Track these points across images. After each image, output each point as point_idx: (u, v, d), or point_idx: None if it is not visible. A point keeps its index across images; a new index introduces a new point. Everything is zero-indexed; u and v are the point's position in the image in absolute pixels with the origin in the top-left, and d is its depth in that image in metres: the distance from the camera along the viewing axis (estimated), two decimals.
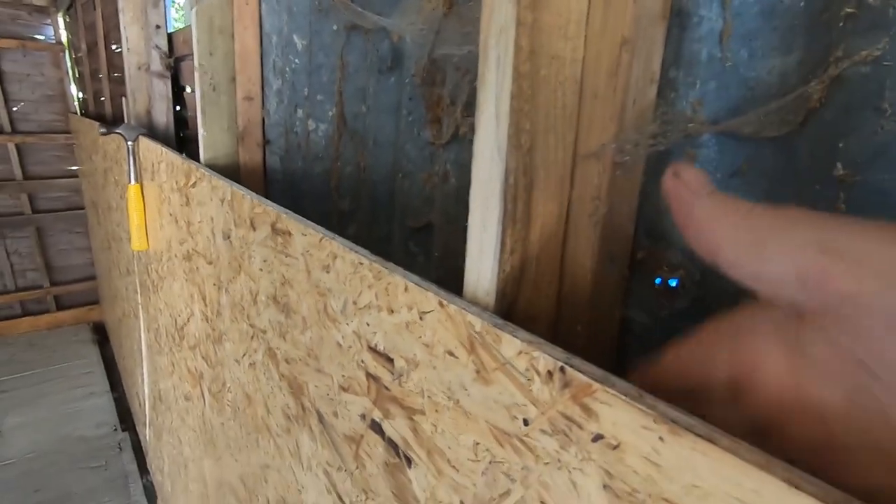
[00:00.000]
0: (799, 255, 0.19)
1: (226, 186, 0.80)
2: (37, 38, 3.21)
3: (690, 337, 0.26)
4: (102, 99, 2.78)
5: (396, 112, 0.67)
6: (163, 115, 1.75)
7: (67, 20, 3.17)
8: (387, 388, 0.44)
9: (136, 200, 1.60)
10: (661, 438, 0.23)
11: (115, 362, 3.09)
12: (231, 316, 0.87)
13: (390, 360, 0.43)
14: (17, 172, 3.24)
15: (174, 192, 1.20)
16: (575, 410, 0.27)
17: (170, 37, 1.72)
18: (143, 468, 2.33)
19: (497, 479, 0.33)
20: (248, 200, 0.71)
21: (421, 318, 0.39)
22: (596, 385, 0.26)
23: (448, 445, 0.38)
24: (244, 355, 0.83)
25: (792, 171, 0.31)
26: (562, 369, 0.28)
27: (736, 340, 0.23)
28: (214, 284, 0.95)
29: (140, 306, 2.07)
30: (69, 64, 3.33)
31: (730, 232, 0.21)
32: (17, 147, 3.21)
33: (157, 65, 1.69)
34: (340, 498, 0.55)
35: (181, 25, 1.88)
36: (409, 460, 0.42)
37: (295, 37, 0.92)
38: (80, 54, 3.06)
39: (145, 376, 2.18)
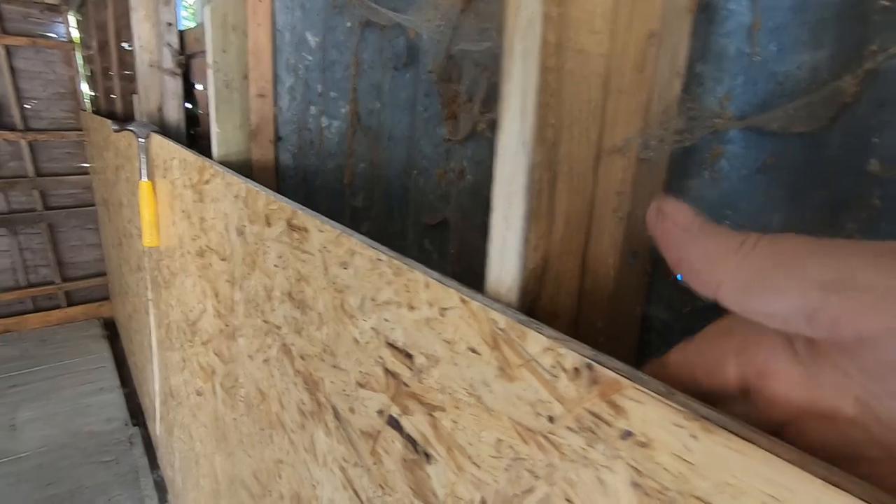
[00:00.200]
0: (804, 293, 0.18)
1: (240, 183, 0.81)
2: (48, 36, 3.24)
3: (700, 336, 0.26)
4: (113, 96, 2.80)
5: (412, 108, 0.67)
6: (174, 112, 1.76)
7: (79, 18, 3.19)
8: (406, 384, 0.44)
9: (147, 197, 1.61)
10: (693, 436, 0.23)
11: (125, 358, 3.12)
12: (245, 312, 0.87)
13: (409, 357, 0.43)
14: (30, 169, 3.28)
15: (187, 189, 1.21)
16: (602, 407, 0.27)
17: (181, 34, 1.72)
18: (153, 463, 2.35)
19: (521, 476, 0.33)
20: (264, 197, 0.71)
21: (442, 315, 0.39)
22: (625, 382, 0.26)
23: (469, 442, 0.38)
24: (258, 351, 0.83)
25: (822, 166, 0.31)
26: (589, 366, 0.28)
27: (746, 343, 0.23)
28: (228, 281, 0.95)
29: (151, 302, 2.09)
30: (80, 62, 3.35)
31: (729, 272, 0.21)
32: (30, 144, 3.24)
33: (168, 62, 1.70)
34: (357, 493, 0.55)
35: (191, 23, 1.89)
36: (428, 456, 0.42)
37: (308, 34, 0.93)
38: (91, 52, 3.08)
39: (156, 372, 2.19)
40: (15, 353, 3.06)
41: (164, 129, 1.71)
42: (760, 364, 0.22)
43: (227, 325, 1.01)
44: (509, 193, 0.34)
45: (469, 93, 0.55)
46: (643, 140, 0.34)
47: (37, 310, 3.49)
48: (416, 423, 0.43)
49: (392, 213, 0.75)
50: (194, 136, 1.84)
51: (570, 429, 0.29)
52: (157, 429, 2.34)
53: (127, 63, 2.45)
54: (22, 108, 3.20)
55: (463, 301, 0.36)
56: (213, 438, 1.29)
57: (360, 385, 0.52)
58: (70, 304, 3.60)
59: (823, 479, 0.20)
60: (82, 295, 3.66)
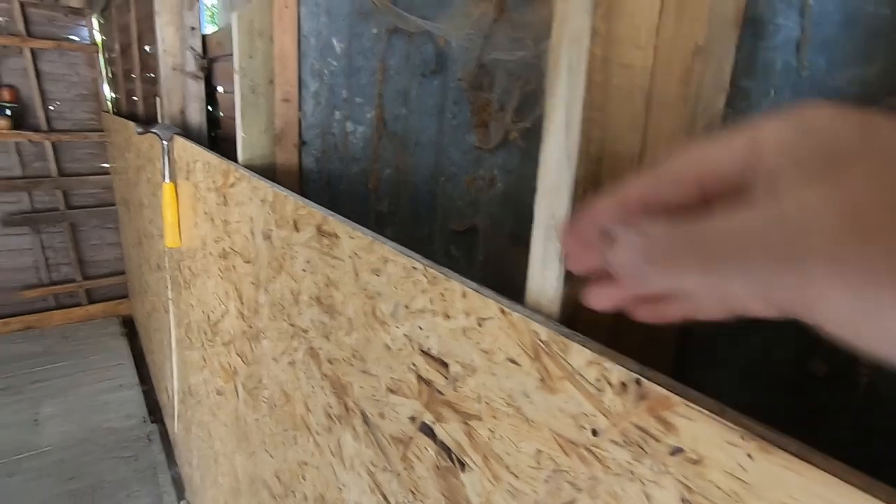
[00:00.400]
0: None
1: (267, 187, 0.82)
2: (72, 39, 3.31)
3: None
4: (135, 98, 2.85)
5: (439, 115, 0.67)
6: (196, 114, 1.79)
7: (101, 22, 3.26)
8: (440, 391, 0.45)
9: (170, 198, 1.64)
10: (749, 455, 0.23)
11: (144, 355, 3.17)
12: (270, 314, 0.88)
13: (444, 365, 0.44)
14: (53, 169, 3.35)
15: (210, 192, 1.23)
16: (651, 423, 0.27)
17: (203, 38, 1.75)
18: (171, 460, 2.39)
19: (561, 488, 0.33)
20: (292, 202, 0.72)
21: (480, 325, 0.39)
22: (676, 399, 0.26)
23: (507, 452, 0.38)
24: (283, 353, 0.84)
25: None
26: (637, 381, 0.28)
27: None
28: (252, 283, 0.97)
29: (170, 301, 2.12)
30: (102, 64, 3.42)
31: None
32: (53, 145, 3.31)
33: (191, 66, 1.73)
34: (385, 498, 0.56)
35: (212, 26, 1.92)
36: (462, 464, 0.43)
37: (334, 40, 0.93)
38: (113, 55, 3.14)
39: (174, 370, 2.23)
40: (38, 350, 3.13)
41: (187, 132, 1.74)
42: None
43: (250, 327, 1.02)
44: (552, 206, 0.34)
45: (501, 101, 0.56)
46: None
47: (59, 307, 3.56)
48: (450, 430, 0.44)
49: (418, 219, 0.76)
50: (215, 137, 1.87)
51: (615, 442, 0.30)
52: (174, 426, 2.37)
53: (149, 65, 2.50)
54: (46, 110, 3.27)
55: (502, 312, 0.37)
56: (233, 437, 1.31)
57: (391, 391, 0.52)
58: (90, 302, 3.67)
59: (885, 502, 0.20)
60: (102, 293, 3.72)
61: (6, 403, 2.60)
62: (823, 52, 0.31)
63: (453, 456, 0.44)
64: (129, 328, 3.55)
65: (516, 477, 0.37)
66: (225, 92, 1.72)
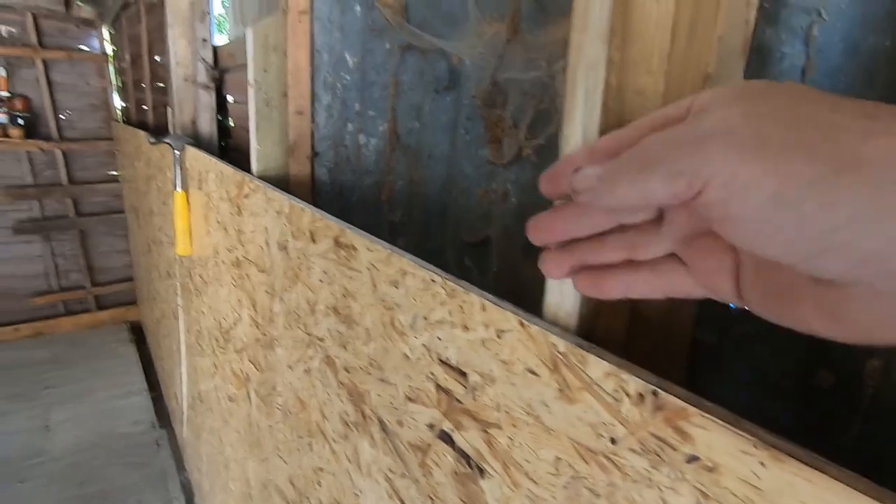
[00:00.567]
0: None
1: (283, 199, 0.84)
2: (83, 50, 3.36)
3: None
4: (145, 108, 2.89)
5: (452, 130, 0.69)
6: (207, 125, 1.82)
7: (112, 32, 3.31)
8: (459, 400, 0.46)
9: (181, 207, 1.66)
10: (761, 463, 0.25)
11: (152, 361, 3.19)
12: (285, 323, 0.90)
13: (463, 375, 0.45)
14: (63, 177, 3.39)
15: (223, 202, 1.25)
16: (667, 432, 0.29)
17: (214, 50, 1.78)
18: (180, 465, 2.40)
19: (580, 494, 0.35)
20: (309, 214, 0.74)
21: (499, 337, 0.41)
22: (692, 409, 0.27)
23: (526, 459, 0.39)
24: (298, 361, 0.86)
25: None
26: (654, 392, 0.30)
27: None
28: (267, 292, 0.99)
29: (180, 308, 2.15)
30: (112, 74, 3.47)
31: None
32: (64, 153, 3.36)
33: (202, 77, 1.76)
34: (404, 503, 0.57)
35: (224, 38, 1.95)
36: (482, 471, 0.44)
37: (346, 54, 0.96)
38: (123, 65, 3.19)
39: (184, 376, 2.25)
40: (48, 356, 3.16)
41: (198, 141, 1.77)
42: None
43: (264, 335, 1.04)
44: None
45: (514, 119, 0.57)
46: None
47: (68, 313, 3.60)
48: (469, 438, 0.45)
49: (430, 230, 0.78)
50: (225, 147, 1.90)
51: (633, 451, 0.31)
52: (183, 432, 2.39)
53: (159, 75, 2.54)
54: (57, 119, 3.32)
55: (521, 324, 0.38)
56: (245, 443, 1.33)
57: (410, 399, 0.54)
58: (99, 308, 3.71)
59: None
60: (111, 299, 3.76)
61: (18, 409, 2.63)
62: (827, 79, 0.33)
63: (472, 463, 0.45)
64: (137, 334, 3.58)
65: (536, 483, 0.39)
66: (235, 102, 1.75)
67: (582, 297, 0.36)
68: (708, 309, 0.39)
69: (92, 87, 3.43)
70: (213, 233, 1.40)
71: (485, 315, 0.42)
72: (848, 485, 0.22)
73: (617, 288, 0.28)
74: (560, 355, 0.35)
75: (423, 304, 0.50)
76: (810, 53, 0.33)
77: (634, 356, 0.36)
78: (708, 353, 0.40)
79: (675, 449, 0.29)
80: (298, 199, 0.80)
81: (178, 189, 1.66)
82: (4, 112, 3.09)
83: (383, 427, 0.60)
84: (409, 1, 0.78)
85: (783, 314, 0.22)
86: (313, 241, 0.74)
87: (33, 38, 3.13)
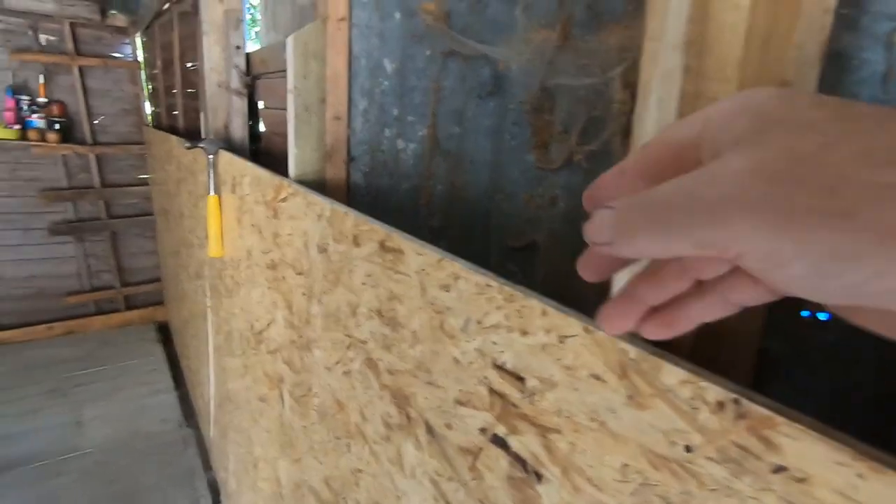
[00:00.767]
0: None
1: (324, 203, 0.85)
2: (117, 57, 3.47)
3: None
4: (175, 113, 2.97)
5: (496, 135, 0.70)
6: (239, 129, 1.86)
7: (144, 39, 3.40)
8: (515, 405, 0.46)
9: (214, 210, 1.70)
10: (859, 475, 0.24)
11: (178, 361, 3.26)
12: (323, 325, 0.91)
13: (520, 379, 0.46)
14: (96, 180, 3.49)
15: (258, 205, 1.27)
16: (751, 441, 0.29)
17: (247, 56, 1.82)
18: (206, 464, 2.44)
19: (650, 501, 0.35)
20: (352, 218, 0.75)
21: (561, 342, 0.41)
22: (779, 419, 0.27)
23: (589, 464, 0.39)
24: (337, 363, 0.87)
25: None
26: (735, 401, 0.29)
27: None
28: (304, 294, 1.00)
29: (209, 309, 2.19)
30: (144, 80, 3.57)
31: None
32: (97, 157, 3.46)
33: (235, 83, 1.80)
34: None
35: (256, 45, 1.99)
36: (539, 476, 0.44)
37: (385, 60, 0.97)
38: (154, 71, 3.27)
39: (212, 376, 2.29)
40: (80, 354, 3.25)
41: (230, 146, 1.81)
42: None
43: (300, 337, 1.06)
44: None
45: (564, 124, 0.58)
46: None
47: (98, 312, 3.69)
48: (526, 442, 0.45)
49: (472, 234, 0.78)
50: (256, 151, 1.94)
51: (710, 459, 0.31)
52: (210, 431, 2.43)
53: (190, 81, 2.60)
54: (91, 124, 3.43)
55: (586, 330, 0.38)
56: (276, 444, 1.35)
57: (460, 403, 0.54)
58: (128, 308, 3.80)
59: None
60: (139, 299, 3.85)
61: (53, 405, 2.71)
62: None
63: (528, 467, 0.45)
64: (164, 334, 3.66)
65: (599, 489, 0.39)
66: (267, 107, 1.79)
67: None
68: (778, 318, 0.39)
69: (124, 92, 3.53)
70: (247, 235, 1.43)
71: (546, 320, 0.42)
72: None
73: (691, 321, 0.26)
74: (631, 361, 0.35)
75: (477, 308, 0.50)
76: (892, 59, 0.32)
77: (699, 364, 0.36)
78: (776, 363, 0.40)
79: (759, 458, 0.28)
80: (340, 204, 0.81)
81: (212, 192, 1.69)
82: (42, 117, 3.20)
83: (430, 430, 0.61)
84: (452, 8, 0.79)
85: (855, 312, 0.21)
86: (356, 244, 0.75)
87: (70, 46, 3.24)
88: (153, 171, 3.46)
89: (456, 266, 0.53)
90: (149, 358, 3.33)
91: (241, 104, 1.83)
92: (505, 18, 0.66)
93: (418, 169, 0.90)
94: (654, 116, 0.34)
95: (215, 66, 1.84)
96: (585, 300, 0.44)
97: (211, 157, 1.68)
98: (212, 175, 1.69)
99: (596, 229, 0.23)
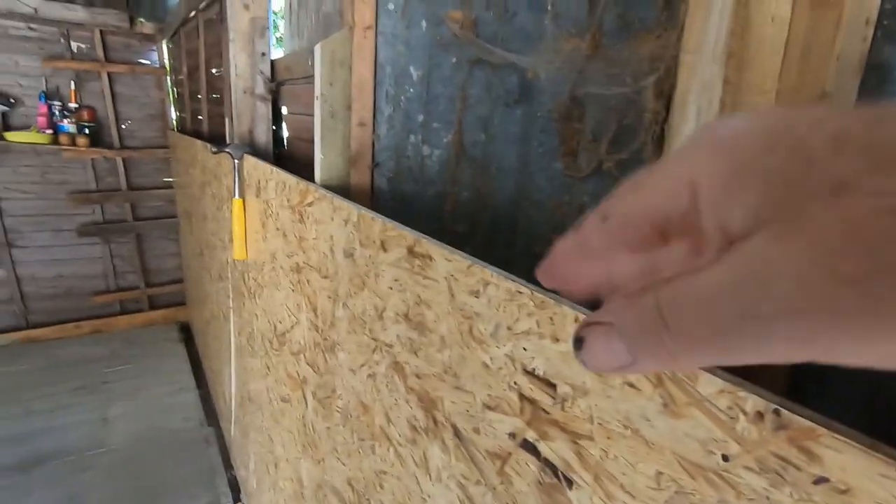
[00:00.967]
0: None
1: (351, 208, 0.87)
2: (143, 63, 3.56)
3: None
4: (200, 118, 3.04)
5: (523, 143, 0.70)
6: (263, 134, 1.90)
7: (170, 46, 3.49)
8: (545, 411, 0.47)
9: (239, 214, 1.73)
10: None
11: (200, 360, 3.32)
12: (349, 328, 0.93)
13: (552, 386, 0.46)
14: (123, 183, 3.59)
15: (283, 209, 1.30)
16: (791, 452, 0.29)
17: (272, 63, 1.86)
18: (227, 463, 2.49)
19: None
20: (380, 223, 0.76)
21: None
22: (822, 430, 0.27)
23: (622, 472, 0.40)
24: (363, 366, 0.88)
25: None
26: (776, 412, 0.30)
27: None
28: (329, 297, 1.02)
29: (231, 310, 2.23)
30: (169, 86, 3.66)
31: None
32: (124, 161, 3.55)
33: (260, 89, 1.84)
34: None
35: (279, 51, 2.03)
36: (569, 482, 0.45)
37: (411, 68, 0.99)
38: (180, 77, 3.35)
39: (233, 376, 2.33)
40: (106, 352, 3.34)
41: (255, 150, 1.84)
42: None
43: (325, 339, 1.07)
44: None
45: (594, 133, 0.58)
46: None
47: (123, 312, 3.79)
48: (556, 448, 0.46)
49: (497, 240, 0.78)
50: (279, 155, 1.97)
51: (749, 469, 0.31)
52: (231, 430, 2.47)
53: (215, 87, 2.66)
54: (119, 129, 3.53)
55: None
56: (298, 444, 1.37)
57: (489, 408, 0.55)
58: (151, 308, 3.89)
59: None
60: (162, 300, 3.94)
61: (81, 402, 2.78)
62: None
63: (559, 473, 0.46)
64: (186, 334, 3.73)
65: (633, 497, 0.39)
66: (290, 113, 1.82)
67: None
68: None
69: (151, 98, 3.62)
70: (271, 239, 1.46)
71: None
72: None
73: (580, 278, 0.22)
74: (666, 371, 0.35)
75: (508, 314, 0.51)
76: None
77: (731, 368, 0.36)
78: (811, 372, 0.40)
79: (799, 469, 0.28)
80: (367, 209, 0.83)
81: (236, 196, 1.73)
82: (73, 122, 3.30)
83: (457, 434, 0.61)
84: (479, 16, 0.79)
85: None
86: (384, 249, 0.76)
87: (100, 53, 3.34)
88: (177, 175, 3.55)
89: (486, 272, 0.53)
90: (171, 357, 3.40)
91: (265, 110, 1.87)
92: (534, 27, 0.67)
93: (443, 175, 0.91)
94: (692, 127, 0.35)
95: (241, 72, 1.88)
96: None
97: (236, 161, 1.72)
98: (237, 179, 1.73)
99: (603, 355, 0.18)
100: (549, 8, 0.64)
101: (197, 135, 3.06)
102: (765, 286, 0.14)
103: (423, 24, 0.94)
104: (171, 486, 2.29)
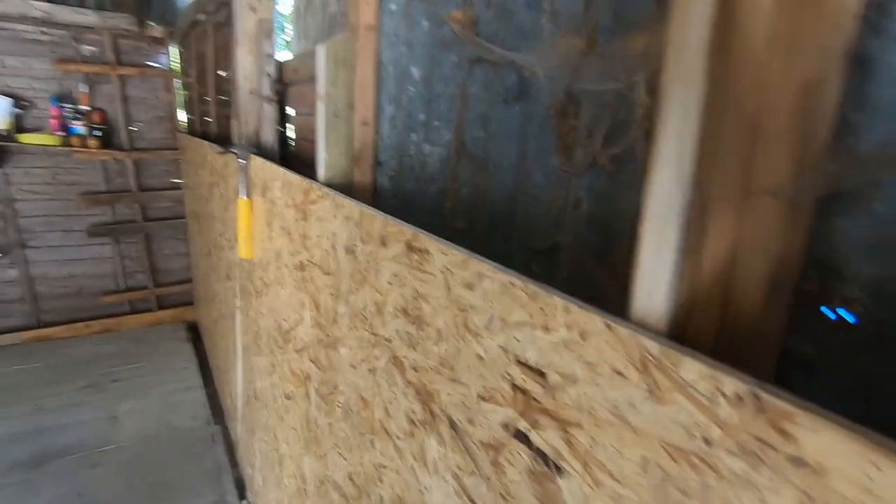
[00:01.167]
0: None
1: (352, 205, 0.88)
2: (153, 66, 3.61)
3: None
4: (208, 119, 3.07)
5: (521, 139, 0.71)
6: (269, 135, 1.92)
7: (180, 49, 3.54)
8: (537, 400, 0.48)
9: (245, 213, 1.76)
10: (876, 466, 0.25)
11: (207, 360, 3.35)
12: (350, 324, 0.94)
13: (542, 375, 0.47)
14: (133, 184, 3.64)
15: (288, 208, 1.32)
16: (770, 434, 0.29)
17: (278, 65, 1.88)
18: (233, 461, 2.51)
19: (669, 494, 0.36)
20: (380, 220, 0.77)
21: (583, 338, 0.42)
22: (798, 412, 0.28)
23: (609, 458, 0.40)
24: (363, 361, 0.89)
25: None
26: (755, 395, 0.30)
27: None
28: (331, 294, 1.03)
29: (238, 310, 2.25)
30: (178, 88, 3.70)
31: None
32: (134, 162, 3.60)
33: (267, 90, 1.86)
34: (473, 502, 0.59)
35: (288, 54, 2.05)
36: (559, 470, 0.45)
37: (412, 67, 1.00)
38: (189, 79, 3.40)
39: (239, 375, 2.35)
40: (115, 351, 3.38)
41: (261, 151, 1.87)
42: None
43: (327, 336, 1.09)
44: (661, 230, 0.37)
45: (589, 128, 0.59)
46: (794, 183, 0.36)
47: (132, 312, 3.83)
48: (547, 437, 0.47)
49: (495, 236, 0.79)
50: (285, 156, 1.99)
51: (729, 452, 0.32)
52: (238, 428, 2.50)
53: (223, 89, 2.69)
54: (129, 131, 3.58)
55: (608, 326, 0.40)
56: (301, 440, 1.38)
57: (483, 399, 0.56)
58: (160, 308, 3.93)
59: None
60: (170, 300, 3.98)
61: (90, 400, 2.82)
62: None
63: (550, 462, 0.47)
64: (194, 333, 3.76)
65: (619, 483, 0.39)
66: (297, 114, 1.84)
67: (673, 303, 0.37)
68: (802, 318, 0.39)
69: (160, 100, 3.67)
70: (276, 238, 1.47)
71: (568, 317, 0.43)
72: None
73: None
74: (651, 357, 0.36)
75: (501, 306, 0.52)
76: None
77: (722, 361, 0.37)
78: (800, 363, 0.40)
79: (777, 451, 0.29)
80: (368, 206, 0.84)
81: (243, 196, 1.75)
82: (84, 124, 3.36)
83: (453, 425, 0.62)
84: (480, 16, 0.80)
85: None
86: (384, 245, 0.77)
87: (111, 56, 3.39)
88: (186, 176, 3.59)
89: (481, 265, 0.54)
90: (179, 356, 3.43)
91: (271, 111, 1.89)
92: (532, 26, 0.67)
93: (444, 173, 0.92)
94: (679, 118, 0.35)
95: (248, 74, 1.91)
96: (608, 300, 0.45)
97: (242, 161, 1.74)
98: (243, 179, 1.75)
99: None
100: (546, 7, 0.65)
101: (205, 136, 3.09)
102: None
103: (425, 23, 0.95)
104: (178, 484, 2.32)
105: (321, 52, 1.07)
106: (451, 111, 0.88)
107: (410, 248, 0.69)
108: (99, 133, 3.41)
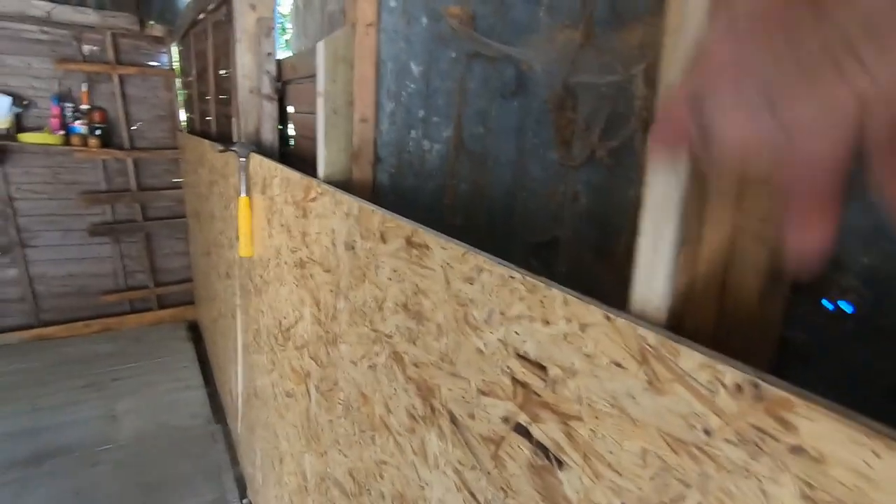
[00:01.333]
0: None
1: (351, 201, 0.88)
2: (153, 65, 3.61)
3: None
4: (208, 118, 3.07)
5: (519, 134, 0.71)
6: (269, 133, 1.92)
7: (180, 48, 3.54)
8: (537, 393, 0.48)
9: (245, 211, 1.76)
10: (875, 453, 0.25)
11: (208, 358, 3.35)
12: (350, 320, 0.94)
13: (542, 368, 0.47)
14: (133, 184, 3.64)
15: (288, 205, 1.31)
16: (769, 423, 0.29)
17: (278, 63, 1.88)
18: (233, 460, 2.51)
19: (669, 485, 0.35)
20: (379, 215, 0.77)
21: (582, 330, 0.42)
22: (797, 400, 0.28)
23: (609, 450, 0.40)
24: (363, 357, 0.89)
25: None
26: (754, 384, 0.30)
27: None
28: (331, 290, 1.03)
29: (238, 308, 2.25)
30: (178, 87, 3.70)
31: None
32: (134, 161, 3.60)
33: (266, 88, 1.86)
34: (473, 495, 0.59)
35: (287, 52, 2.06)
36: (560, 462, 0.45)
37: (411, 63, 1.00)
38: (189, 78, 3.40)
39: (240, 373, 2.35)
40: (115, 350, 3.38)
41: (261, 149, 1.87)
42: None
43: (327, 332, 1.09)
44: (659, 221, 0.37)
45: (587, 122, 0.59)
46: None
47: (132, 311, 3.84)
48: (547, 430, 0.47)
49: (495, 231, 0.79)
50: (285, 154, 1.99)
51: (728, 441, 0.32)
52: (238, 427, 2.50)
53: (223, 88, 2.69)
54: (129, 130, 3.58)
55: (607, 318, 0.40)
56: (302, 438, 1.38)
57: (483, 393, 0.56)
58: (160, 307, 3.93)
59: None
60: (171, 299, 3.98)
61: (90, 399, 2.82)
62: None
63: (550, 455, 0.46)
64: (194, 332, 3.77)
65: (619, 474, 0.39)
66: (297, 112, 1.84)
67: (672, 293, 0.37)
68: (800, 308, 0.39)
69: (160, 99, 3.67)
70: (276, 235, 1.47)
71: (567, 309, 0.43)
72: None
73: None
74: (650, 348, 0.36)
75: (501, 299, 0.52)
76: None
77: (721, 351, 0.37)
78: (797, 352, 0.40)
79: (777, 440, 0.29)
80: (367, 202, 0.84)
81: (243, 194, 1.75)
82: (85, 124, 3.36)
83: (453, 420, 0.62)
84: (477, 11, 0.80)
85: None
86: (383, 241, 0.77)
87: (111, 56, 3.39)
88: (186, 175, 3.59)
89: (480, 259, 0.54)
90: (179, 355, 3.43)
91: (271, 109, 1.89)
92: (529, 19, 0.67)
93: (443, 169, 0.92)
94: None
95: (247, 72, 1.91)
96: (607, 293, 0.45)
97: (242, 159, 1.74)
98: (243, 177, 1.75)
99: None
100: (543, 0, 0.65)
101: (205, 135, 3.09)
102: None
103: (423, 19, 0.95)
104: (178, 483, 2.32)
105: (320, 50, 1.06)
106: (450, 107, 0.88)
107: (410, 243, 0.69)
108: (99, 132, 3.41)
